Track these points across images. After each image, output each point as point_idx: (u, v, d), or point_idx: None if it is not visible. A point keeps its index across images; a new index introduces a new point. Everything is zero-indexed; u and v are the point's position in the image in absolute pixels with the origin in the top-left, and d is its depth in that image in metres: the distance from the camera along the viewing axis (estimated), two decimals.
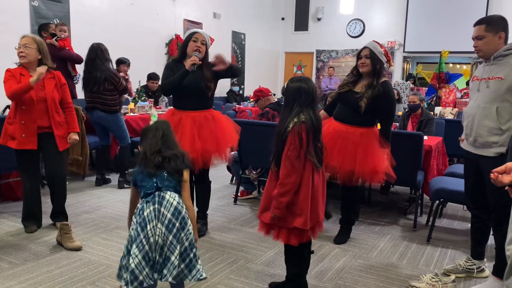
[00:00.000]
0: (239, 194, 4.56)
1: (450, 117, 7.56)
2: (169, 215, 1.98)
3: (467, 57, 11.21)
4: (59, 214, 3.53)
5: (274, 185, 2.31)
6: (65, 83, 3.45)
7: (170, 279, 1.94)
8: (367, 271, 2.97)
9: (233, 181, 5.32)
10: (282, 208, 2.24)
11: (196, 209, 3.39)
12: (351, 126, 3.26)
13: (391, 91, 3.29)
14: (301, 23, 12.73)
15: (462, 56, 10.93)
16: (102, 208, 4.11)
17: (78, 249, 3.10)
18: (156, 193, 2.00)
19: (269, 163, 3.92)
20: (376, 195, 4.92)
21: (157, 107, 6.60)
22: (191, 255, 2.01)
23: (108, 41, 5.62)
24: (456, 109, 7.99)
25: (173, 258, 1.94)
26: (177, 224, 1.98)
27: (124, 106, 5.80)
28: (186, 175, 2.08)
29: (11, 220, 3.68)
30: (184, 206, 2.06)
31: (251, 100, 8.68)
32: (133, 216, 2.04)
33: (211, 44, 3.34)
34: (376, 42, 3.32)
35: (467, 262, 2.96)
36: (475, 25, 2.68)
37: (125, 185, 4.89)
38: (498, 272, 2.59)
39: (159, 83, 7.13)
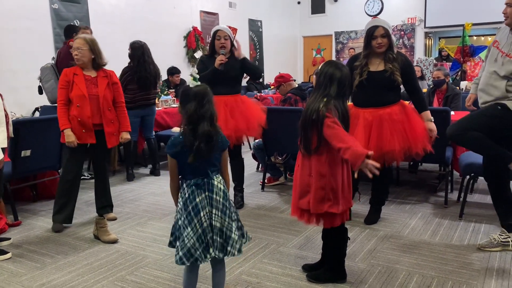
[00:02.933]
0: (266, 181, 4.60)
1: None
2: (221, 200, 2.09)
3: (492, 28, 10.83)
4: (107, 206, 3.70)
5: (306, 170, 2.31)
6: (117, 82, 3.54)
7: (236, 253, 2.09)
8: (400, 249, 2.97)
9: (259, 169, 5.35)
10: (356, 154, 2.11)
11: (232, 184, 3.79)
12: (387, 107, 3.22)
13: (409, 59, 3.37)
14: (318, 6, 12.56)
15: (486, 27, 10.59)
16: (134, 202, 4.22)
17: (114, 241, 3.20)
18: (205, 180, 2.07)
19: (294, 148, 3.93)
20: (404, 174, 4.88)
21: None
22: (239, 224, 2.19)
23: (127, 37, 5.71)
24: None
25: (233, 235, 2.09)
26: (228, 205, 2.11)
27: None
28: (225, 153, 2.16)
29: (49, 217, 3.79)
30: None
31: (272, 87, 8.66)
32: (180, 196, 2.11)
33: (234, 34, 3.69)
34: (377, 17, 3.32)
35: (501, 235, 2.92)
36: None
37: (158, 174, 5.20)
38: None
39: (181, 76, 7.24)
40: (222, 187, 2.11)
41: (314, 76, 2.43)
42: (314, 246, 3.06)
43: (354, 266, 2.73)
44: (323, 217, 2.33)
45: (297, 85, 4.93)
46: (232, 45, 3.72)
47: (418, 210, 3.76)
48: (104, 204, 3.69)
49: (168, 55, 8.12)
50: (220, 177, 2.13)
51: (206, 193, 2.07)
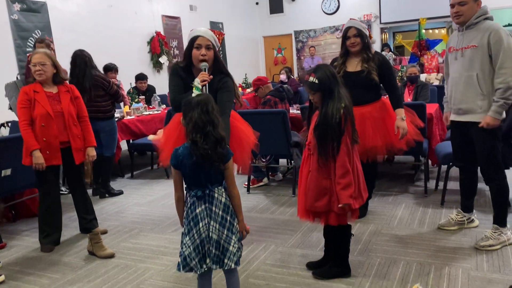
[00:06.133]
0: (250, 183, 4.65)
1: (436, 82, 7.74)
2: (220, 212, 2.09)
3: (442, 22, 11.41)
4: (92, 220, 3.60)
5: (324, 173, 2.37)
6: (79, 96, 3.44)
7: (232, 265, 2.10)
8: (394, 240, 3.11)
9: (240, 171, 5.37)
10: (351, 190, 2.31)
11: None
12: (368, 105, 3.34)
13: (387, 58, 3.49)
14: (276, 6, 12.70)
15: (437, 21, 11.12)
16: (120, 214, 4.15)
17: (111, 256, 3.15)
18: (206, 192, 2.08)
19: (277, 149, 3.99)
20: (380, 166, 5.06)
21: (150, 107, 6.60)
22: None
23: (91, 46, 5.56)
24: (441, 74, 8.17)
25: (231, 248, 2.10)
26: (229, 218, 2.12)
27: (118, 110, 5.78)
28: (230, 162, 2.12)
29: (34, 236, 3.68)
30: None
31: (240, 88, 8.72)
32: (185, 207, 2.13)
33: (220, 40, 2.98)
34: (354, 19, 3.44)
35: (457, 215, 3.23)
36: None
37: (107, 195, 4.78)
38: (497, 220, 2.92)
39: (148, 82, 7.14)
40: (223, 200, 2.12)
41: (315, 93, 2.40)
42: (311, 243, 3.15)
43: (354, 260, 2.83)
44: (341, 214, 2.40)
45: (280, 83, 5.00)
46: (217, 57, 2.78)
47: (401, 200, 3.93)
48: (88, 219, 3.60)
49: (133, 61, 8.01)
50: (222, 190, 2.13)
51: (206, 205, 2.09)
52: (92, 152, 3.45)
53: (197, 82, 2.19)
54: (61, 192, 4.78)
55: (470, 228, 3.18)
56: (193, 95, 2.11)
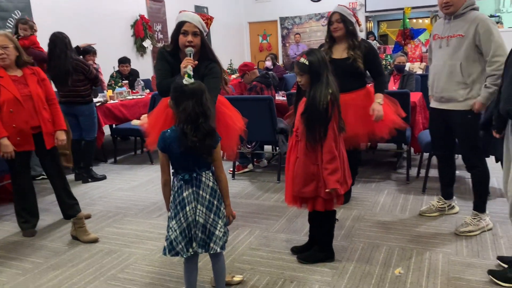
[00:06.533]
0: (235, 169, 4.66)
1: (419, 71, 7.83)
2: (207, 196, 2.10)
3: (427, 11, 11.48)
4: (74, 205, 3.52)
5: (311, 159, 2.38)
6: (45, 78, 3.31)
7: (218, 249, 2.11)
8: (376, 226, 3.17)
9: (225, 157, 5.37)
10: (338, 175, 2.35)
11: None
12: (352, 92, 3.34)
13: (373, 46, 3.50)
14: None
15: (422, 10, 11.19)
16: (103, 199, 4.12)
17: (95, 241, 3.14)
18: (193, 175, 2.08)
19: (262, 136, 3.98)
20: (363, 153, 5.12)
21: (134, 91, 6.51)
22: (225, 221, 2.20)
23: (73, 29, 5.46)
24: (424, 63, 8.28)
25: (217, 232, 2.11)
26: (216, 202, 2.12)
27: (101, 94, 5.69)
28: (218, 147, 2.12)
29: (15, 221, 3.60)
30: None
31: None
32: (171, 191, 2.13)
33: (208, 25, 2.80)
34: (342, 5, 3.44)
35: (438, 202, 3.32)
36: None
37: (89, 180, 4.74)
38: (477, 207, 2.99)
39: (131, 66, 7.03)
40: (210, 184, 2.12)
41: (303, 75, 2.40)
42: (296, 228, 3.18)
43: (338, 245, 2.87)
44: (328, 200, 2.43)
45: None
46: (204, 43, 2.69)
47: (383, 187, 4.00)
48: (70, 204, 3.53)
49: (116, 45, 7.86)
50: (210, 174, 2.13)
51: (193, 189, 2.09)
52: (61, 136, 3.33)
53: (189, 69, 2.15)
54: (42, 177, 4.77)
55: (450, 215, 3.26)
56: (184, 81, 2.08)
